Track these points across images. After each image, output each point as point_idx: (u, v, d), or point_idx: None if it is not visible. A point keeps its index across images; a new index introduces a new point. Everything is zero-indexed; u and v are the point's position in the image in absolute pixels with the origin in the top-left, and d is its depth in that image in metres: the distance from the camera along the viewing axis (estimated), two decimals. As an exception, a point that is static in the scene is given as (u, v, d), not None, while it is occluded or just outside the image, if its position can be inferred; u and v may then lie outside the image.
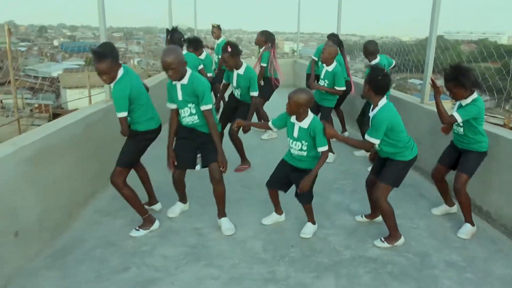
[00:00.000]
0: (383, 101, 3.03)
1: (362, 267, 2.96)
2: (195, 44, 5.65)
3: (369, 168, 4.84)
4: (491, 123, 4.57)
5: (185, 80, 3.18)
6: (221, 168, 3.32)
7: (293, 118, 3.20)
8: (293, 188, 3.36)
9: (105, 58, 2.98)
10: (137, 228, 3.39)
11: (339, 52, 5.66)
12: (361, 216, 3.63)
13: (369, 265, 2.99)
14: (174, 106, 3.36)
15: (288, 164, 3.32)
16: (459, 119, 3.19)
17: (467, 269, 2.95)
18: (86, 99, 18.93)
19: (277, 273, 2.89)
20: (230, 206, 3.58)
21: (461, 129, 3.31)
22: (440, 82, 3.52)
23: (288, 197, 3.62)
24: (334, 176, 4.62)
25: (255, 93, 4.51)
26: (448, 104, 5.88)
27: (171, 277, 2.84)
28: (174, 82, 3.24)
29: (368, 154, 5.39)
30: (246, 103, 4.62)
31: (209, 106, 3.21)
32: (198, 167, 3.44)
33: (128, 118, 3.24)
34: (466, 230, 3.37)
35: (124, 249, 3.18)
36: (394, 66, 5.43)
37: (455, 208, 3.70)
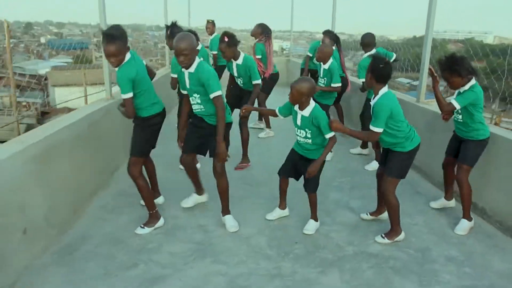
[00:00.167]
0: (384, 89, 3.10)
1: (365, 262, 3.05)
2: None
3: (366, 166, 4.96)
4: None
5: (192, 69, 3.23)
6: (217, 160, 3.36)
7: (296, 107, 3.28)
8: (296, 182, 3.44)
9: (115, 40, 3.02)
10: (142, 225, 3.42)
11: (335, 48, 5.76)
12: (366, 214, 3.69)
13: (372, 261, 3.08)
14: (186, 92, 3.44)
15: (296, 153, 3.42)
16: (457, 106, 3.29)
17: (465, 263, 3.06)
18: (78, 98, 18.76)
19: (283, 268, 2.96)
20: (233, 204, 3.63)
21: (460, 117, 3.42)
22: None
23: (291, 195, 3.70)
24: (332, 174, 4.70)
25: (257, 81, 4.57)
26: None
27: (179, 273, 2.89)
28: (183, 70, 3.29)
29: (363, 150, 5.49)
30: (250, 91, 4.69)
31: (217, 93, 3.18)
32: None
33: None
34: (463, 227, 3.47)
35: (130, 246, 3.21)
36: (396, 60, 5.49)
37: (453, 203, 3.80)
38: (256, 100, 4.97)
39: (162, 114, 3.45)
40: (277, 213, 3.67)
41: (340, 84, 5.03)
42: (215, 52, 7.27)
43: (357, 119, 6.34)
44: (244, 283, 2.80)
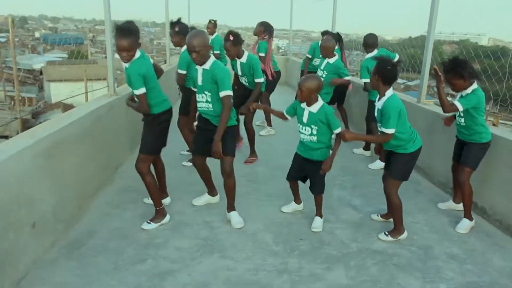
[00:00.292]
0: (390, 91, 3.15)
1: (370, 259, 3.11)
2: None
3: (370, 165, 5.02)
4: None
5: (207, 66, 3.26)
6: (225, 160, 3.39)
7: (303, 104, 3.32)
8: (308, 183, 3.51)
9: (129, 35, 3.06)
10: (149, 221, 3.45)
11: (337, 47, 5.83)
12: (377, 215, 3.72)
13: (376, 257, 3.13)
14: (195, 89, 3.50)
15: (300, 157, 3.45)
16: (460, 108, 3.35)
17: (467, 261, 3.13)
18: (81, 94, 18.63)
19: (290, 264, 3.01)
20: (238, 200, 3.67)
21: (462, 120, 3.47)
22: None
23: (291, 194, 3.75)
24: (335, 173, 4.74)
25: (259, 80, 4.61)
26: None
27: (188, 268, 2.92)
28: (197, 67, 3.32)
29: (366, 152, 5.55)
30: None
31: (228, 92, 3.23)
32: None
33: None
34: (464, 226, 3.54)
35: (138, 241, 3.24)
36: (398, 61, 5.53)
37: (461, 206, 3.81)
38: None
39: (170, 112, 3.48)
40: (293, 206, 3.78)
41: (350, 77, 5.14)
42: (217, 52, 7.29)
43: (357, 119, 6.42)
44: (252, 278, 2.84)
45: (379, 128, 3.25)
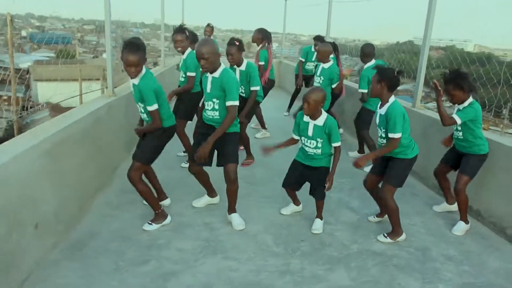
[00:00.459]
0: (392, 97, 3.25)
1: (370, 260, 3.16)
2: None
3: (365, 168, 5.09)
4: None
5: (217, 74, 3.28)
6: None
7: (306, 118, 3.36)
8: (306, 186, 3.55)
9: (138, 50, 3.08)
10: (150, 222, 3.45)
11: (333, 56, 5.90)
12: (373, 217, 3.79)
13: (376, 258, 3.19)
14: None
15: (301, 164, 3.49)
16: (459, 121, 3.43)
17: (464, 262, 3.21)
18: (57, 92, 18.36)
19: (292, 265, 3.05)
20: (237, 202, 3.66)
21: (460, 133, 3.56)
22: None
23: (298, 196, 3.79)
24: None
25: (255, 88, 4.62)
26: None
27: (191, 269, 2.94)
28: (207, 74, 3.35)
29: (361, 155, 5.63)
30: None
31: (234, 103, 3.26)
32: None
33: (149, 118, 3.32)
34: (460, 228, 3.63)
35: (140, 242, 3.25)
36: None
37: (455, 207, 3.92)
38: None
39: (175, 127, 3.51)
40: (292, 208, 3.82)
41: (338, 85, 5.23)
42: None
43: (350, 123, 6.49)
44: (255, 278, 2.87)
45: (381, 135, 3.32)
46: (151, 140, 3.38)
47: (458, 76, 3.38)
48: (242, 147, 5.03)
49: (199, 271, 2.92)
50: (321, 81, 5.31)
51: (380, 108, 3.33)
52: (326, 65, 5.32)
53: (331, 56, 5.57)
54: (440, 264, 3.17)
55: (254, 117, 5.51)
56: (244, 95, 4.79)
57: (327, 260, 3.14)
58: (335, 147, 3.36)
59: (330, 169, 3.41)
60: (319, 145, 3.34)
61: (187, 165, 4.79)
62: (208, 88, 3.36)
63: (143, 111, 3.37)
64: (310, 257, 3.17)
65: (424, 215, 3.97)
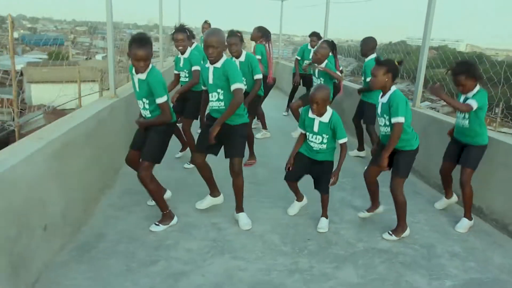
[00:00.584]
0: (394, 87, 3.33)
1: (377, 258, 3.20)
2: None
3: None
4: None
5: (218, 64, 3.29)
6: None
7: (311, 114, 3.39)
8: (310, 181, 3.58)
9: (147, 45, 3.11)
10: (157, 223, 3.45)
11: (331, 54, 5.94)
12: (363, 212, 3.83)
13: (382, 256, 3.23)
14: (205, 88, 3.55)
15: (305, 157, 3.52)
16: (475, 105, 3.43)
17: (469, 258, 3.25)
18: (51, 95, 18.22)
19: (300, 264, 3.07)
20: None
21: (467, 122, 3.57)
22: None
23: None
24: (333, 174, 4.85)
25: (258, 76, 4.62)
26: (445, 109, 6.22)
27: (201, 269, 2.95)
28: (207, 65, 3.35)
29: (360, 153, 5.68)
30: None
31: (239, 85, 3.23)
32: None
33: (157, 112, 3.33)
34: (464, 225, 3.68)
35: (147, 243, 3.25)
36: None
37: (455, 198, 4.00)
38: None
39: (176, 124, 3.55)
40: (297, 205, 3.82)
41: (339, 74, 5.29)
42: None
43: (349, 122, 6.53)
44: (265, 278, 2.89)
45: (384, 123, 3.35)
46: (157, 137, 3.37)
47: (469, 65, 3.44)
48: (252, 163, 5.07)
49: (208, 271, 2.93)
50: (321, 82, 5.35)
51: (381, 97, 3.38)
52: (323, 65, 5.34)
53: (330, 55, 5.62)
54: (446, 260, 3.21)
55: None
56: (246, 87, 4.76)
57: (335, 258, 3.17)
58: (341, 144, 3.38)
59: (336, 165, 3.44)
60: (325, 140, 3.39)
61: (190, 166, 4.83)
62: (210, 79, 3.36)
63: (147, 107, 3.35)
64: (317, 256, 3.19)
65: (427, 212, 4.01)
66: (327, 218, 3.63)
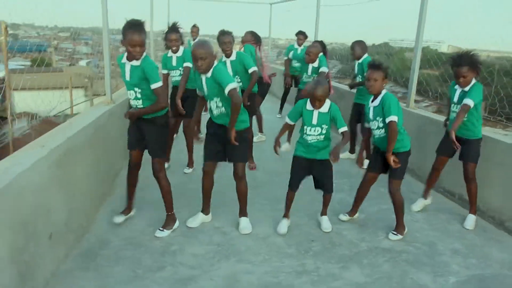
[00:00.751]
0: (384, 90, 3.41)
1: (381, 257, 3.25)
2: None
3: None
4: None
5: (209, 74, 3.28)
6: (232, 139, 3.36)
7: (309, 106, 3.40)
8: (310, 184, 3.61)
9: (142, 30, 3.09)
10: (161, 228, 3.45)
11: (322, 54, 6.03)
12: (344, 215, 3.85)
13: (386, 255, 3.28)
14: (201, 94, 3.52)
15: (304, 159, 3.50)
16: (472, 104, 3.47)
17: (470, 255, 3.32)
18: (35, 102, 17.89)
19: (307, 265, 3.10)
20: (244, 205, 3.72)
21: (465, 116, 3.60)
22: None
23: (300, 197, 3.83)
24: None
25: (253, 68, 4.62)
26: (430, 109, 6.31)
27: (208, 273, 2.95)
28: (200, 76, 3.34)
29: (352, 155, 5.74)
30: (251, 93, 4.78)
31: (231, 85, 3.17)
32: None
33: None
34: (471, 223, 3.76)
35: (153, 249, 3.24)
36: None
37: (430, 201, 4.12)
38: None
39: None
40: (286, 223, 3.63)
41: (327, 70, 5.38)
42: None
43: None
44: (273, 280, 2.91)
45: (378, 126, 3.43)
46: (155, 135, 3.35)
47: (472, 57, 3.49)
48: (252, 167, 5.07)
49: (216, 275, 2.93)
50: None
51: (372, 102, 3.45)
52: (316, 64, 5.42)
53: (320, 54, 5.69)
54: (448, 257, 3.27)
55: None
56: (241, 84, 4.76)
57: (340, 258, 3.21)
58: (342, 133, 3.36)
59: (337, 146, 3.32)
60: (324, 131, 3.39)
61: (189, 170, 4.83)
62: (205, 90, 3.37)
63: (139, 96, 3.28)
64: (322, 256, 3.22)
65: (425, 211, 4.08)
66: (326, 215, 3.66)
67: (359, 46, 5.37)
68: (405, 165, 3.48)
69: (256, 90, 5.04)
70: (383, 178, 3.60)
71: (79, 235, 3.32)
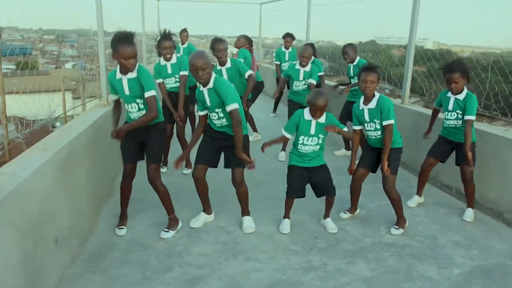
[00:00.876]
0: (377, 92, 3.49)
1: (385, 251, 3.29)
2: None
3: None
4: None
5: (211, 84, 3.26)
6: (247, 166, 3.44)
7: (308, 116, 3.41)
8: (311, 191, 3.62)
9: (133, 41, 3.08)
10: (166, 229, 3.44)
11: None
12: (345, 213, 3.89)
13: (390, 249, 3.32)
14: (204, 113, 3.43)
15: (300, 168, 3.48)
16: (473, 118, 3.60)
17: (472, 246, 3.39)
18: (24, 106, 17.67)
19: (313, 262, 3.13)
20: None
21: (460, 122, 3.72)
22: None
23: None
24: (329, 173, 4.94)
25: (248, 72, 4.67)
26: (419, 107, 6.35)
27: (217, 272, 2.96)
28: (201, 89, 3.32)
29: (348, 152, 5.79)
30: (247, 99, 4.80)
31: (233, 106, 3.20)
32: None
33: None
34: (470, 214, 3.85)
35: (158, 250, 3.23)
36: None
37: (423, 198, 4.20)
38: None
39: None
40: (288, 223, 3.64)
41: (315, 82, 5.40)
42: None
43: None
44: (282, 277, 2.93)
45: (376, 128, 3.50)
46: (156, 139, 3.38)
47: (464, 65, 3.60)
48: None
49: (225, 274, 2.94)
50: (307, 83, 5.38)
51: (365, 104, 3.50)
52: (307, 68, 5.37)
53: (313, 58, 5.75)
54: (450, 250, 3.33)
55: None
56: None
57: (345, 254, 3.24)
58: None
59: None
60: (320, 141, 3.42)
61: (188, 171, 4.82)
62: (208, 102, 3.32)
63: (141, 107, 3.29)
64: (328, 253, 3.25)
65: (424, 205, 4.15)
66: (329, 217, 3.69)
67: (352, 49, 5.45)
68: (399, 160, 3.56)
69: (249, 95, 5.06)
70: (381, 174, 3.64)
71: (83, 239, 3.30)
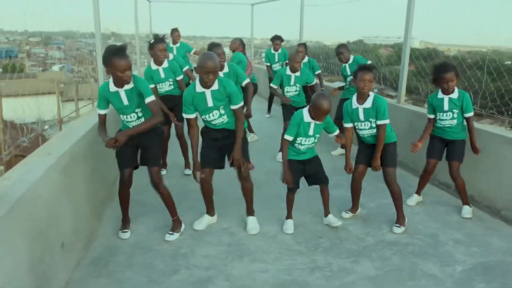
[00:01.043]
0: (371, 92, 3.56)
1: (388, 250, 3.33)
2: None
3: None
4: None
5: (215, 86, 3.27)
6: (244, 167, 3.47)
7: (308, 119, 3.44)
8: (304, 183, 3.67)
9: (126, 53, 3.08)
10: (170, 232, 3.44)
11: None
12: (346, 212, 3.93)
13: (393, 248, 3.36)
14: (194, 116, 3.39)
15: (295, 162, 3.55)
16: (473, 113, 3.74)
17: (472, 244, 3.45)
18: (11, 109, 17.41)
19: (318, 261, 3.15)
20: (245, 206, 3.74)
21: (455, 121, 3.81)
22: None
23: (301, 194, 3.88)
24: (328, 173, 4.96)
25: (246, 81, 4.70)
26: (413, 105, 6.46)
27: (223, 273, 2.97)
28: (201, 90, 3.28)
29: (344, 150, 5.84)
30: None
31: (240, 105, 3.33)
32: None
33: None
34: (467, 211, 3.92)
35: (163, 253, 3.23)
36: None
37: (421, 198, 4.26)
38: None
39: None
40: (291, 223, 3.66)
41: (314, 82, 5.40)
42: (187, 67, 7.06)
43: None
44: (288, 277, 2.95)
45: (371, 126, 3.55)
46: (152, 144, 3.40)
47: (454, 65, 3.73)
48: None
49: (231, 275, 2.95)
50: (297, 89, 5.29)
51: (360, 103, 3.54)
52: (298, 73, 5.24)
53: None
54: (451, 247, 3.39)
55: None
56: None
57: (349, 253, 3.28)
58: (336, 135, 3.63)
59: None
60: (316, 140, 3.52)
61: (189, 172, 4.82)
62: (210, 102, 3.30)
63: (140, 115, 3.31)
64: (332, 252, 3.28)
65: (423, 204, 4.21)
66: (330, 213, 3.73)
67: (346, 49, 5.50)
68: (396, 153, 3.66)
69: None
70: (380, 173, 3.69)
71: (87, 243, 3.28)
